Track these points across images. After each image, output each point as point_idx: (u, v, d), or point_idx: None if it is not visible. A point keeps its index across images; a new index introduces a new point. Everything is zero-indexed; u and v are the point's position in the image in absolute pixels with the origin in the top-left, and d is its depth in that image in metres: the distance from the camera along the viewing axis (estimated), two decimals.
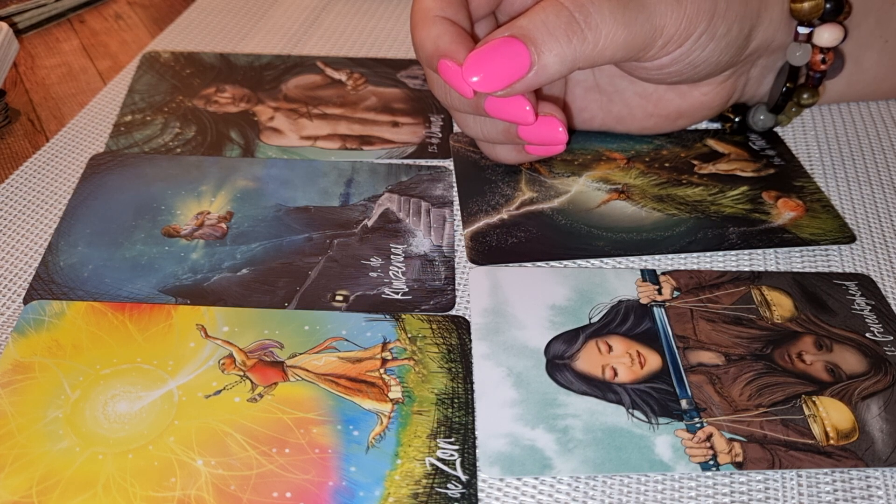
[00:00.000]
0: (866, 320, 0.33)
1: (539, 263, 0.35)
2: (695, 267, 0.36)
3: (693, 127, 0.44)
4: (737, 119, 0.43)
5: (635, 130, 0.42)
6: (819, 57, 0.38)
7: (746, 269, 0.36)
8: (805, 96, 0.40)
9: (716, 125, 0.45)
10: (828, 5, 0.37)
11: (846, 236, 0.37)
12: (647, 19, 0.33)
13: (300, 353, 0.31)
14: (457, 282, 0.34)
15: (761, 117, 0.42)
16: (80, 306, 0.32)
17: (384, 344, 0.31)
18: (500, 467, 0.27)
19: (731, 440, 0.28)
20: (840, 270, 0.36)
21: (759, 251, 0.37)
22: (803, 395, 0.30)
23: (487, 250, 0.36)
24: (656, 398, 0.30)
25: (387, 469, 0.27)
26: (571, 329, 0.32)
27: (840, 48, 0.41)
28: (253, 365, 0.30)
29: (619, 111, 0.41)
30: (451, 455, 0.28)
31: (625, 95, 0.41)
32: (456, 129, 0.44)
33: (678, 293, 0.34)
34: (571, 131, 0.44)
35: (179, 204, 0.38)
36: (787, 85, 0.40)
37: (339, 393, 0.29)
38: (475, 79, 0.31)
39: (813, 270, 0.36)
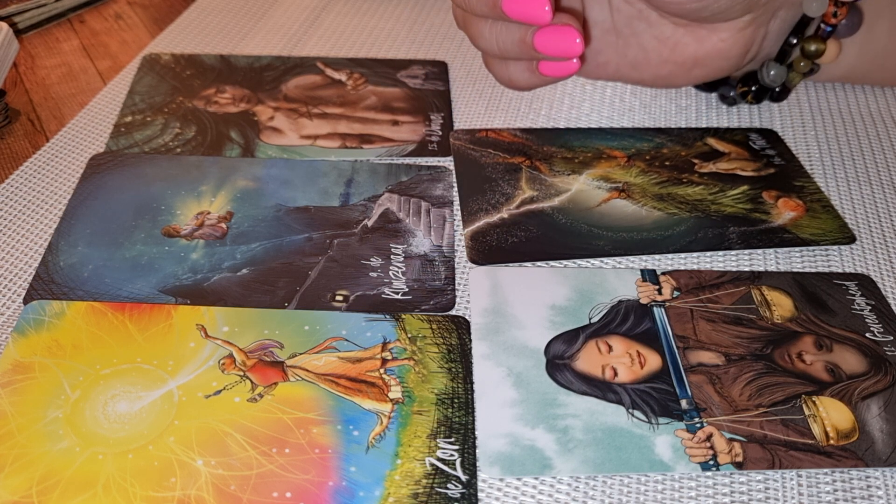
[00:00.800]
0: (866, 320, 0.33)
1: (539, 263, 0.35)
2: (695, 267, 0.36)
3: (693, 125, 0.44)
4: (753, 87, 0.42)
5: (648, 78, 0.41)
6: (832, 10, 0.38)
7: (746, 269, 0.36)
8: (812, 47, 0.39)
9: (716, 124, 0.45)
10: None
11: (846, 237, 0.37)
12: None
13: (300, 353, 0.31)
14: (457, 282, 0.34)
15: (772, 72, 0.41)
16: (80, 306, 0.32)
17: (384, 344, 0.31)
18: (500, 467, 0.27)
19: (731, 440, 0.28)
20: (840, 270, 0.36)
21: (759, 251, 0.37)
22: (803, 395, 0.30)
23: (487, 250, 0.36)
24: (656, 398, 0.30)
25: (387, 469, 0.27)
26: (571, 329, 0.32)
27: (858, 5, 0.41)
28: (253, 365, 0.30)
29: (634, 55, 0.41)
30: (451, 455, 0.28)
31: (641, 39, 0.40)
32: (456, 126, 0.44)
33: (678, 293, 0.34)
34: (573, 127, 0.44)
35: (179, 204, 0.38)
36: (797, 37, 0.39)
37: (339, 393, 0.29)
38: None
39: (813, 270, 0.36)
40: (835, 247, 0.37)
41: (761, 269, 0.36)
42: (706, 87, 0.46)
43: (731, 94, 0.44)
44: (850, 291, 0.35)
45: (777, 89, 0.43)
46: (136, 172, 0.39)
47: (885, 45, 0.43)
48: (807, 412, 0.30)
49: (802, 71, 0.41)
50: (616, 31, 0.40)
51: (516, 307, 0.33)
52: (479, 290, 0.34)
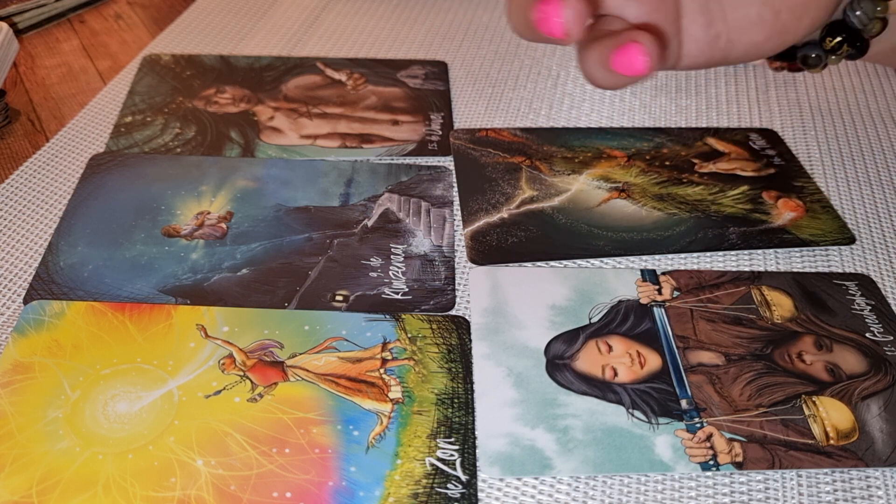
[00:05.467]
0: (866, 320, 0.33)
1: (539, 263, 0.35)
2: (695, 267, 0.36)
3: (693, 125, 0.44)
4: (838, 39, 0.38)
5: (761, 39, 0.33)
6: None
7: (746, 269, 0.36)
8: None
9: (716, 124, 0.45)
10: None
11: (846, 238, 0.37)
12: None
13: (300, 353, 0.31)
14: (457, 282, 0.34)
15: (857, 13, 0.36)
16: (80, 306, 0.32)
17: (384, 344, 0.31)
18: (500, 467, 0.27)
19: (731, 440, 0.28)
20: (840, 270, 0.36)
21: (759, 251, 0.37)
22: (803, 395, 0.30)
23: (487, 250, 0.36)
24: (656, 398, 0.30)
25: (387, 469, 0.27)
26: (571, 329, 0.32)
27: None
28: (253, 365, 0.30)
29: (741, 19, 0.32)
30: (451, 455, 0.28)
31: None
32: (456, 125, 0.44)
33: (678, 293, 0.34)
34: (573, 127, 0.43)
35: (179, 204, 0.38)
36: None
37: (339, 393, 0.29)
38: None
39: (813, 270, 0.36)
40: (835, 247, 0.37)
41: (761, 269, 0.36)
42: (788, 53, 0.40)
43: (815, 52, 0.40)
44: (850, 291, 0.35)
45: (861, 40, 0.39)
46: (136, 172, 0.39)
47: None
48: (807, 412, 0.30)
49: (881, 14, 0.37)
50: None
51: (516, 307, 0.33)
52: (479, 290, 0.34)
